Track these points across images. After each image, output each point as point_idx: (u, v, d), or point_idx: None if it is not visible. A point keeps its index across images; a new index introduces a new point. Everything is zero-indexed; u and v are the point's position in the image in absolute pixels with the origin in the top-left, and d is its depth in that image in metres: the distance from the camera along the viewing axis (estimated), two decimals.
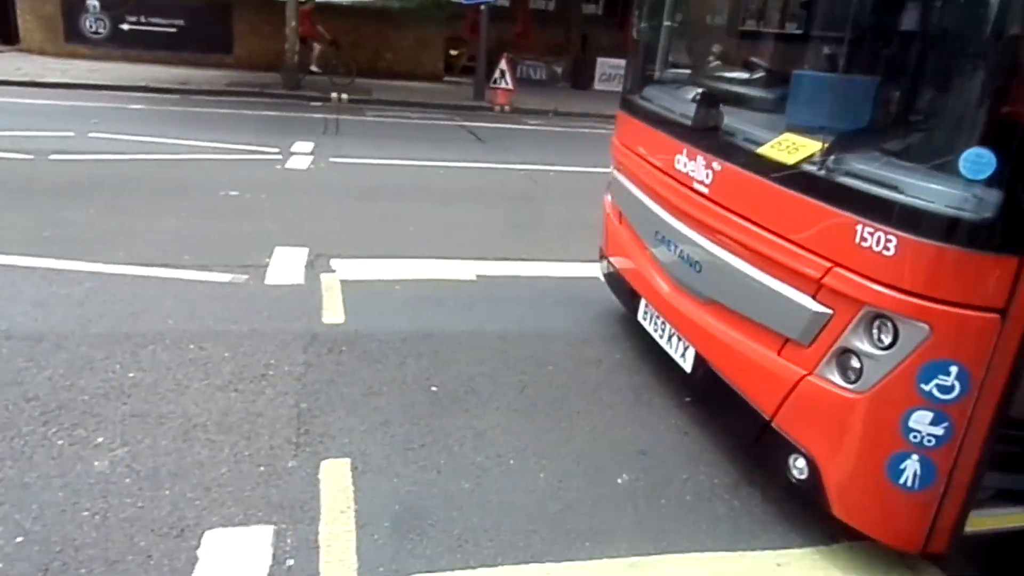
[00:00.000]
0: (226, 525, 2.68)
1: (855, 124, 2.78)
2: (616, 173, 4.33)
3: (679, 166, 3.46)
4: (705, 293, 3.28)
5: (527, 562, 2.62)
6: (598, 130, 13.32)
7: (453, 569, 2.56)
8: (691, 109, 3.42)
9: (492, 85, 15.10)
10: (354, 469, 3.04)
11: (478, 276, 5.33)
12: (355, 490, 2.92)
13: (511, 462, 3.19)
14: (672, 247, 3.52)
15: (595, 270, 4.86)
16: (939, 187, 2.25)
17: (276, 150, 9.08)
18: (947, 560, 2.68)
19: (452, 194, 8.03)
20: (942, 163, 2.28)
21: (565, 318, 4.71)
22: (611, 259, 4.39)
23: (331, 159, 8.89)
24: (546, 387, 3.84)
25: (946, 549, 2.55)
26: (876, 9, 3.09)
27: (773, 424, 2.84)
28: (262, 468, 3.01)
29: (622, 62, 19.84)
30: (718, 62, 4.29)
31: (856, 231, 2.43)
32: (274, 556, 2.55)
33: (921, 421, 2.36)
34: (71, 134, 9.14)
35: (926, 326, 2.29)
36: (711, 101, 3.31)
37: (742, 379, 3.04)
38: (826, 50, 3.41)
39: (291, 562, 2.53)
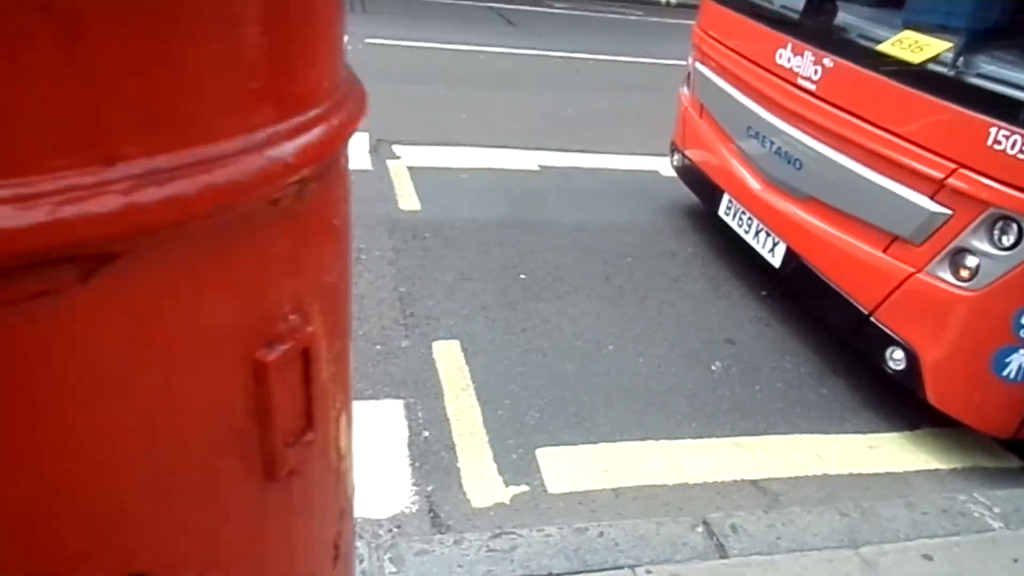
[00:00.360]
0: (358, 399, 2.85)
1: (980, 23, 2.77)
2: (699, 65, 4.28)
3: (782, 61, 3.44)
4: (804, 190, 3.35)
5: (643, 439, 2.82)
6: (630, 16, 12.95)
7: (576, 444, 2.76)
8: (799, 1, 3.37)
9: None
10: (464, 350, 3.20)
11: (540, 167, 5.35)
12: (470, 369, 3.08)
13: (610, 347, 3.35)
14: (768, 143, 3.56)
15: (654, 163, 4.88)
16: None
17: None
18: None
19: (496, 80, 7.86)
20: None
21: (634, 210, 4.77)
22: (687, 152, 4.41)
23: (367, 40, 8.63)
24: (628, 277, 3.97)
25: None
26: None
27: (872, 318, 2.98)
28: (378, 347, 3.16)
29: None
30: None
31: (989, 133, 2.48)
32: (409, 428, 2.74)
33: None
34: None
35: None
36: None
37: (840, 275, 3.16)
38: None
39: (426, 433, 2.72)
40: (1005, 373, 2.60)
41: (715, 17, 4.15)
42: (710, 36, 4.16)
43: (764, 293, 3.92)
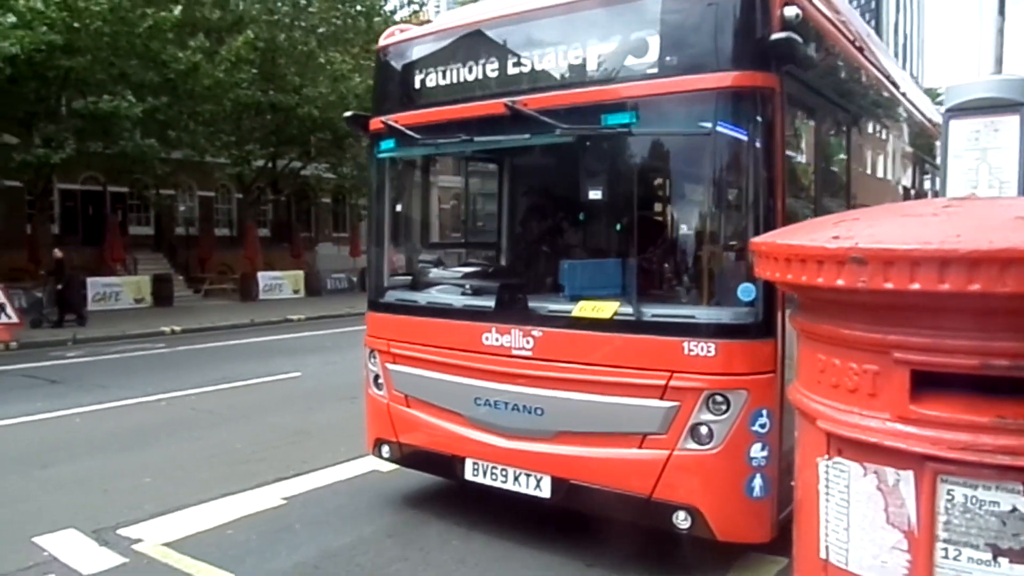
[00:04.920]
0: None
1: (622, 288, 4.23)
2: (390, 366, 4.95)
3: (490, 341, 4.42)
4: (552, 429, 4.23)
5: None
6: (156, 349, 13.29)
7: None
8: (491, 297, 4.46)
9: None
10: None
11: (283, 499, 5.37)
12: None
13: None
14: (502, 405, 4.36)
15: (365, 465, 5.28)
16: (727, 309, 3.82)
17: None
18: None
19: (131, 439, 7.16)
20: (717, 296, 3.89)
21: (396, 514, 5.10)
22: (403, 440, 4.91)
23: None
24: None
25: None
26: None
27: (653, 498, 3.94)
28: None
29: (116, 279, 19.38)
30: (440, 266, 5.42)
31: (683, 346, 3.82)
32: None
33: (756, 451, 3.79)
34: None
35: (745, 391, 3.77)
36: (514, 288, 4.42)
37: (612, 479, 4.06)
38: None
39: None
40: (755, 495, 3.80)
41: (392, 324, 4.95)
42: (392, 340, 4.92)
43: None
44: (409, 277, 5.37)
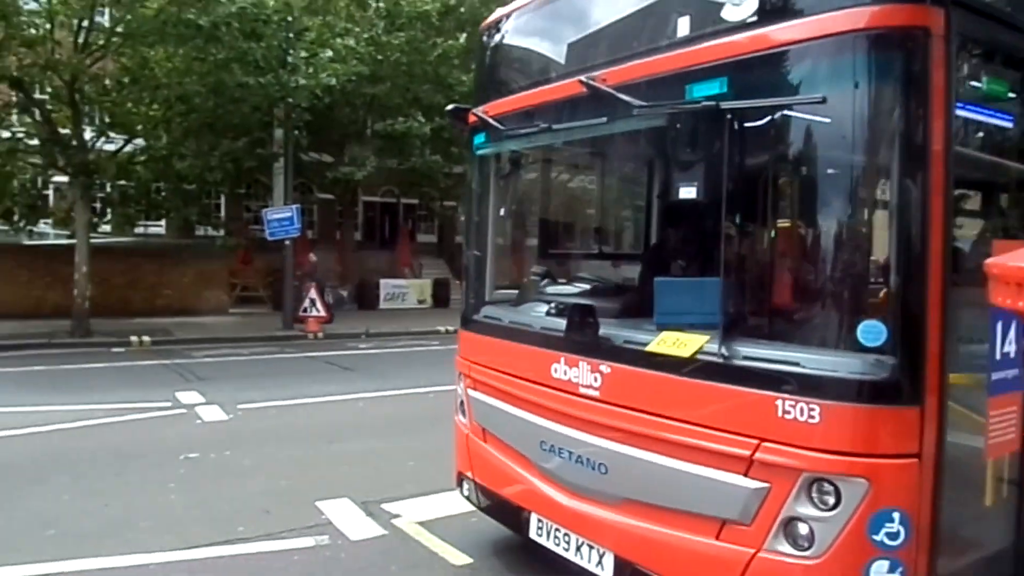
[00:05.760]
0: None
1: (720, 317, 3.11)
2: (471, 392, 4.33)
3: (559, 375, 3.60)
4: (617, 493, 3.31)
5: None
6: (431, 346, 14.70)
7: None
8: (562, 320, 3.63)
9: (302, 313, 15.57)
10: None
11: None
12: None
13: None
14: (566, 454, 3.54)
15: None
16: (844, 357, 2.63)
17: (168, 403, 8.75)
18: None
19: (401, 424, 8.05)
20: (836, 336, 2.70)
21: None
22: (478, 480, 4.26)
23: (239, 406, 8.57)
24: None
25: None
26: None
27: None
28: None
29: (404, 282, 22.28)
30: (549, 280, 4.66)
31: (777, 406, 2.70)
32: None
33: (879, 570, 2.55)
34: None
35: (864, 480, 2.55)
36: (585, 311, 3.56)
37: (681, 571, 3.04)
38: (679, 260, 3.90)
39: None
40: None
41: (476, 345, 4.32)
42: (476, 363, 4.29)
43: None
44: (515, 291, 4.70)
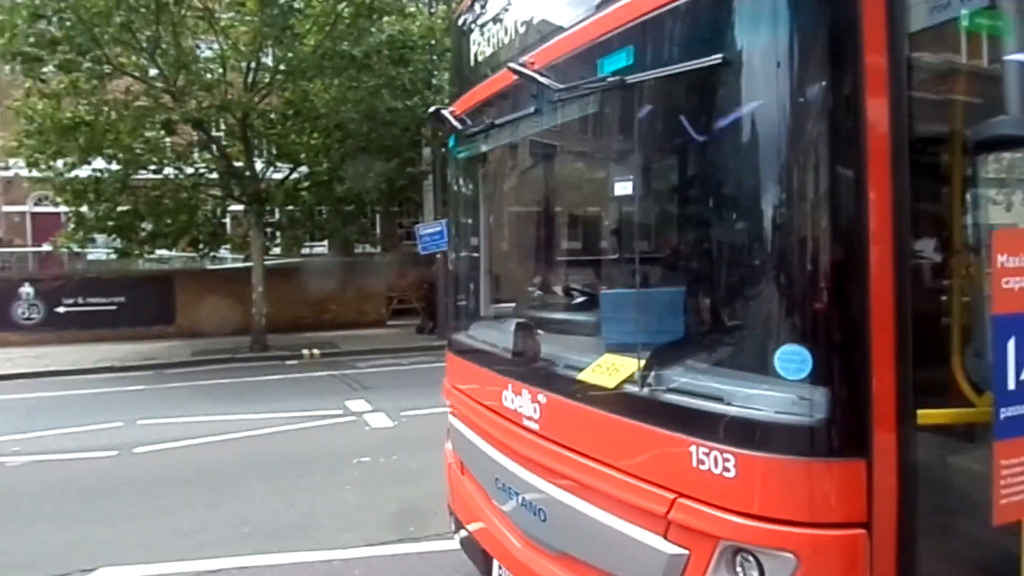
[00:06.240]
0: None
1: (669, 337, 2.59)
2: (451, 419, 3.97)
3: (507, 403, 3.15)
4: (555, 545, 2.81)
5: None
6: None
7: None
8: (510, 341, 3.19)
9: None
10: None
11: None
12: None
13: None
14: (514, 495, 3.07)
15: None
16: (762, 391, 2.02)
17: (339, 411, 9.33)
18: None
19: None
20: (763, 366, 2.08)
21: None
22: (457, 515, 3.87)
23: (402, 413, 8.99)
24: None
25: None
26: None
27: None
28: None
29: None
30: (538, 291, 4.19)
31: (691, 453, 2.13)
32: None
33: None
34: (120, 424, 8.99)
35: (791, 556, 1.93)
36: (527, 329, 3.09)
37: None
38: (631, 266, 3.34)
39: None
40: None
41: (456, 367, 3.95)
42: (455, 387, 3.92)
43: None
44: (510, 305, 4.26)
